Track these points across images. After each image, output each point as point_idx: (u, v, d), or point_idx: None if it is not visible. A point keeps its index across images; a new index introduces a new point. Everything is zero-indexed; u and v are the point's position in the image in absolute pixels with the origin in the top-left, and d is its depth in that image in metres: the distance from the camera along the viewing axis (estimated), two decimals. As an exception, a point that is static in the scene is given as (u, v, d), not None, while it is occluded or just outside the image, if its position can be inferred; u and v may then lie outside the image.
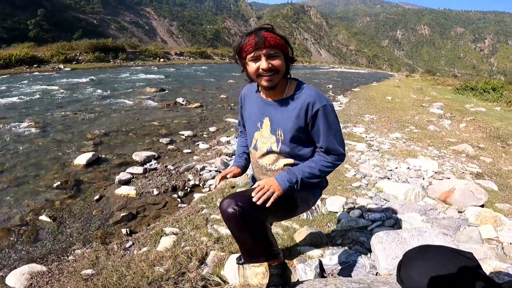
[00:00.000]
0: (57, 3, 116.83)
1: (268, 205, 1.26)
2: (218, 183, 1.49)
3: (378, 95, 12.69)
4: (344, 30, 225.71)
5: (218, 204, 2.84)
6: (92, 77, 14.92)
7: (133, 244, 2.41)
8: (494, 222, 2.38)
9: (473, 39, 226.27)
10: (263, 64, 1.28)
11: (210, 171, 3.90)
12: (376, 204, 2.71)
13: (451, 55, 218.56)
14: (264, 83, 1.32)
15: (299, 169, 1.38)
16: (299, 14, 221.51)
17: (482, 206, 2.74)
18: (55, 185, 3.56)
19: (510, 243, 2.06)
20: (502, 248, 2.01)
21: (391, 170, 3.74)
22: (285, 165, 1.44)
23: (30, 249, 2.51)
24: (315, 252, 1.99)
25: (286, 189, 1.32)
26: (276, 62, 1.29)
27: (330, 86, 17.29)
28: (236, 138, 4.92)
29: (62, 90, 10.58)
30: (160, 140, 5.20)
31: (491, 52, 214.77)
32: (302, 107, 1.34)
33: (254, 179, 1.67)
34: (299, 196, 1.43)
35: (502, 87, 16.27)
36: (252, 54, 1.28)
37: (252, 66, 1.31)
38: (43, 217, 2.92)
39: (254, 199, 1.26)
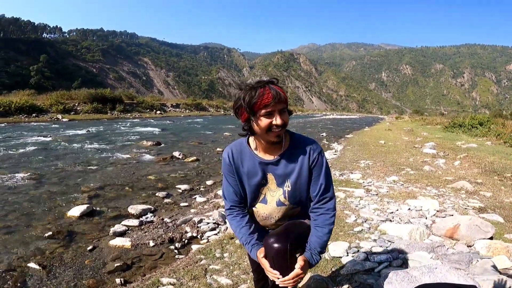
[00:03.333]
0: (60, 49, 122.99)
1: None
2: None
3: (371, 140, 12.94)
4: (332, 76, 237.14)
5: (217, 255, 2.75)
6: (89, 129, 15.16)
7: (128, 294, 2.27)
8: (506, 252, 2.33)
9: (452, 74, 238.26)
10: (277, 120, 1.27)
11: (208, 223, 3.84)
12: (380, 246, 2.63)
13: (435, 93, 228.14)
14: (273, 138, 1.32)
15: (320, 243, 1.41)
16: (289, 62, 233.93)
17: (491, 238, 2.69)
18: (46, 235, 3.45)
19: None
20: (523, 276, 1.94)
21: (392, 212, 3.70)
22: (292, 213, 1.50)
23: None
24: (322, 301, 1.88)
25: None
26: (286, 118, 1.31)
27: (324, 134, 17.69)
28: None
29: (59, 142, 10.65)
30: (157, 194, 5.14)
31: (471, 86, 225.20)
32: (304, 155, 1.39)
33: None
34: None
35: (488, 121, 16.82)
36: (269, 109, 1.25)
37: (264, 121, 1.28)
38: (32, 264, 2.81)
39: (280, 283, 1.29)
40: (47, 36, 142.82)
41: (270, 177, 1.44)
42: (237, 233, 1.49)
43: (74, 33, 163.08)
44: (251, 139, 1.45)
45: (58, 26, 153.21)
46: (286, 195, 1.43)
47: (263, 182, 1.45)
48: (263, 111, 1.26)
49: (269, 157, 1.42)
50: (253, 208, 1.54)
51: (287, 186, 1.42)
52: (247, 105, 1.27)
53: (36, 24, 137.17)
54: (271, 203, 1.47)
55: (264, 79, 1.30)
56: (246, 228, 1.47)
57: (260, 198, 1.50)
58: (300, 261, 1.31)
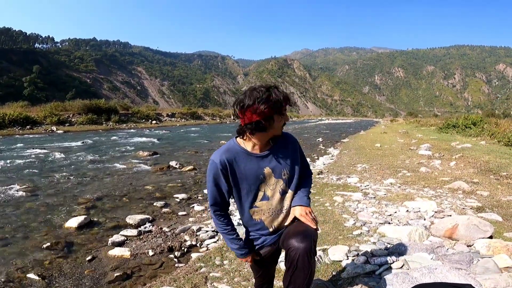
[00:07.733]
0: (52, 60, 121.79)
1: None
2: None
3: (367, 144, 13.02)
4: (326, 81, 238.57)
5: (217, 263, 2.75)
6: (85, 140, 15.05)
7: (128, 306, 2.24)
8: (507, 251, 2.33)
9: (443, 75, 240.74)
10: (286, 117, 1.47)
11: (207, 231, 3.83)
12: (380, 249, 2.63)
13: (428, 94, 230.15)
14: (280, 133, 1.50)
15: (307, 192, 1.61)
16: (283, 68, 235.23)
17: (491, 237, 2.70)
18: (44, 246, 3.43)
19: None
20: (524, 274, 1.94)
21: (390, 215, 3.72)
22: (292, 197, 1.57)
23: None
24: (324, 305, 1.87)
25: None
26: None
27: (320, 139, 17.70)
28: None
29: (54, 154, 10.56)
30: (155, 204, 5.12)
31: (462, 87, 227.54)
32: (293, 144, 1.58)
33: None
34: None
35: (481, 121, 17.01)
36: (285, 107, 1.44)
37: (282, 118, 1.45)
38: (31, 275, 2.79)
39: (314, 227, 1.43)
40: (39, 46, 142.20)
41: (268, 170, 1.49)
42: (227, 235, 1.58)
43: (67, 43, 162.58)
44: (241, 140, 1.51)
45: (50, 36, 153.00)
46: (287, 182, 1.53)
47: (262, 178, 1.49)
48: (284, 109, 1.43)
49: (263, 152, 1.51)
50: (254, 209, 1.53)
51: (285, 173, 1.52)
52: (279, 104, 1.39)
53: (28, 34, 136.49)
54: (274, 196, 1.52)
55: (267, 84, 1.44)
56: (229, 228, 1.57)
57: (260, 196, 1.52)
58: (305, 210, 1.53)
